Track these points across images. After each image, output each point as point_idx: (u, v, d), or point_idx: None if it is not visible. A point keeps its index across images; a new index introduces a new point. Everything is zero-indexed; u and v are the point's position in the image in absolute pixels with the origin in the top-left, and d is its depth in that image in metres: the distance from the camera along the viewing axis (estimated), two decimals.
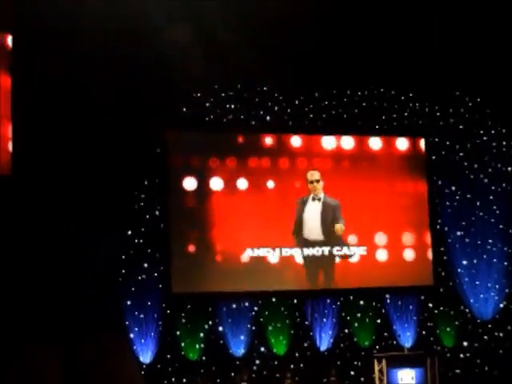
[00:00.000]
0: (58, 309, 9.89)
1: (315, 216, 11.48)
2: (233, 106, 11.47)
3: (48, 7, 9.43)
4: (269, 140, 11.49)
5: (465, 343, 11.86)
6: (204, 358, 10.88)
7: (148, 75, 10.65)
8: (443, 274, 11.94)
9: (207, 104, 11.34)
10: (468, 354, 11.82)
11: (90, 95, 10.36)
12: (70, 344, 9.84)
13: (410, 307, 11.71)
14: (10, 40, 9.50)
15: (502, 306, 12.04)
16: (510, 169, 12.34)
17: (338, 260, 11.49)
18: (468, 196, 12.10)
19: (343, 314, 11.55)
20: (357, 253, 11.54)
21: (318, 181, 11.51)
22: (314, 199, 11.49)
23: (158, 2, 9.70)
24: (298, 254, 11.32)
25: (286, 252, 11.26)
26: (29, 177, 9.72)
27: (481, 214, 12.12)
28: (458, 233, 12.03)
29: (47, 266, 9.90)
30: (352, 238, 11.58)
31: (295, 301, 11.40)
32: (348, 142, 11.81)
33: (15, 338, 9.41)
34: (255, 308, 11.22)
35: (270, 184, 11.40)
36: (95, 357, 9.98)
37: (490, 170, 12.21)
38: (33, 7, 9.47)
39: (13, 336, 9.41)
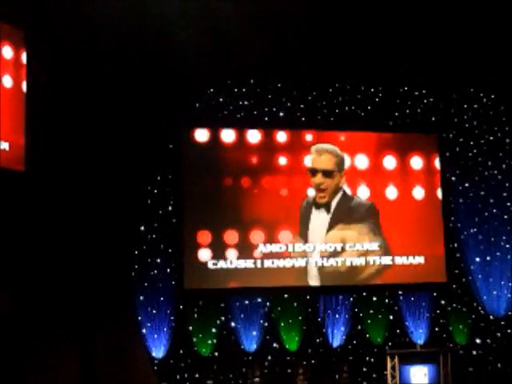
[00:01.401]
0: (71, 306, 9.94)
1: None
2: (246, 102, 11.46)
3: (62, 4, 9.47)
4: (282, 136, 11.45)
5: (478, 340, 11.82)
6: (216, 353, 10.91)
7: (161, 72, 10.68)
8: (456, 270, 11.90)
9: (220, 100, 11.33)
10: (481, 351, 11.78)
11: (102, 92, 10.39)
12: (85, 342, 9.92)
13: (423, 304, 11.68)
14: (23, 37, 9.50)
15: None
16: None
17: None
18: (481, 193, 12.04)
19: (356, 311, 11.54)
20: (370, 249, 11.49)
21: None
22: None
23: (168, 3, 9.69)
24: (310, 250, 11.30)
25: (299, 247, 11.24)
26: (42, 172, 9.74)
27: (494, 210, 12.05)
28: (471, 230, 11.97)
29: (59, 262, 9.93)
30: None
31: (308, 297, 11.39)
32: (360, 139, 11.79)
33: (29, 337, 9.49)
34: (267, 304, 11.21)
35: (283, 183, 11.37)
36: (109, 354, 10.05)
37: (503, 167, 12.13)
38: (47, 5, 9.50)
39: (26, 335, 9.49)
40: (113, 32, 9.90)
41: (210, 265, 10.93)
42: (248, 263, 11.07)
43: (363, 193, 11.58)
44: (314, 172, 11.35)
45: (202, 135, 11.17)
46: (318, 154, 11.41)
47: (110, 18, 9.61)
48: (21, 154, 9.33)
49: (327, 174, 11.37)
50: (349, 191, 11.47)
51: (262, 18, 10.35)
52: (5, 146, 9.04)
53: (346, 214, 11.41)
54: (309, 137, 11.51)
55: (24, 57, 9.41)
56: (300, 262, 11.23)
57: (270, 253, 11.13)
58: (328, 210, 11.35)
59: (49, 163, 9.87)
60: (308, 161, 11.37)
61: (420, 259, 11.65)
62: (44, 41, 9.69)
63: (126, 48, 10.29)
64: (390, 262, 11.55)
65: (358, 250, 11.42)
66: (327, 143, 11.49)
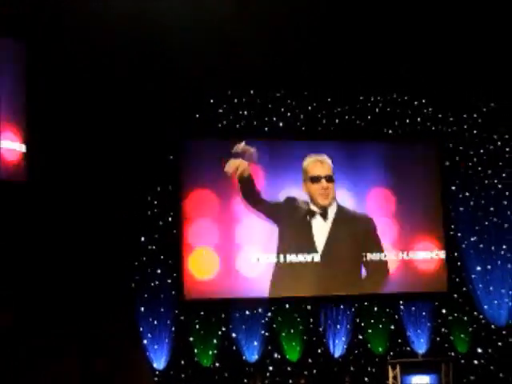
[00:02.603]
0: (71, 318, 9.95)
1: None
2: (245, 113, 11.47)
3: (63, 10, 9.49)
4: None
5: (479, 349, 11.79)
6: (217, 364, 10.88)
7: (161, 82, 10.70)
8: (457, 280, 11.88)
9: (220, 110, 11.35)
10: (482, 361, 11.75)
11: (103, 103, 10.43)
12: (85, 355, 9.92)
13: (424, 313, 11.65)
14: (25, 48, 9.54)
15: None
16: None
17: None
18: (482, 202, 12.03)
19: (357, 320, 11.51)
20: (372, 259, 11.49)
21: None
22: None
23: (171, 9, 9.69)
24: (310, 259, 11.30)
25: (300, 257, 11.24)
26: (43, 183, 9.77)
27: (494, 219, 12.04)
28: (472, 238, 11.96)
29: (59, 274, 9.95)
30: None
31: (309, 307, 11.37)
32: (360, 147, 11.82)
33: (29, 351, 9.50)
34: (268, 314, 11.19)
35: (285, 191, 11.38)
36: (110, 367, 10.04)
37: (503, 176, 12.13)
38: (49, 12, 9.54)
39: (26, 348, 9.51)
40: (114, 43, 9.94)
41: (212, 275, 10.95)
42: (249, 273, 11.06)
43: (361, 204, 11.59)
44: (317, 179, 11.35)
45: (202, 146, 11.17)
46: (318, 162, 11.43)
47: (112, 28, 9.63)
48: (22, 166, 9.37)
49: (329, 179, 11.39)
50: (344, 203, 11.47)
51: (262, 29, 10.35)
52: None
53: (344, 225, 11.40)
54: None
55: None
56: (301, 271, 11.22)
57: (268, 263, 11.15)
58: (325, 217, 11.34)
59: (50, 174, 9.92)
60: (306, 170, 11.38)
61: (420, 268, 11.63)
62: (45, 52, 9.74)
63: (127, 59, 10.35)
64: (391, 272, 11.54)
65: (360, 260, 11.41)
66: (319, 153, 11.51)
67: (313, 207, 11.34)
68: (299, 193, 11.35)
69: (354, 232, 11.47)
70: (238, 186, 11.13)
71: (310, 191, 11.35)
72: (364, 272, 11.43)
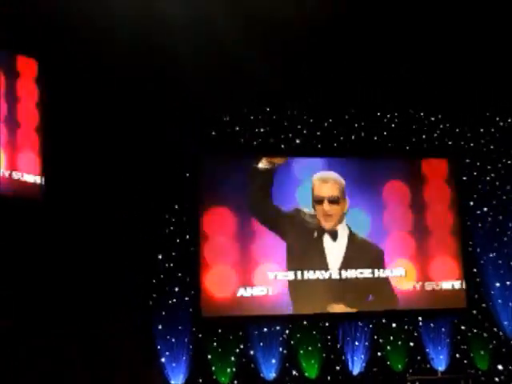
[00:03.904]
0: (89, 335, 9.98)
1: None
2: (262, 130, 11.51)
3: (77, 24, 9.61)
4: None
5: (499, 366, 11.69)
6: (235, 381, 10.84)
7: (176, 100, 10.78)
8: (476, 296, 11.80)
9: (236, 128, 11.39)
10: (503, 377, 11.64)
11: (121, 120, 10.51)
12: (102, 371, 9.93)
13: (443, 330, 11.58)
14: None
15: None
16: None
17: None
18: (500, 217, 11.97)
19: (375, 337, 11.46)
20: (390, 276, 11.46)
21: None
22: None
23: (184, 29, 9.77)
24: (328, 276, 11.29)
25: (316, 274, 11.22)
26: (59, 202, 9.85)
27: None
28: (491, 254, 11.89)
29: (77, 292, 9.99)
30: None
31: (327, 324, 11.33)
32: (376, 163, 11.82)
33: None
34: (286, 331, 11.17)
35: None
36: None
37: None
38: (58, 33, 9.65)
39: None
40: (129, 60, 10.04)
41: (229, 293, 10.96)
42: (265, 291, 11.05)
43: (377, 221, 11.55)
44: (319, 201, 11.34)
45: (219, 164, 11.22)
46: (323, 181, 11.41)
47: (122, 50, 9.73)
48: (38, 185, 9.49)
49: (333, 200, 11.37)
50: (356, 228, 11.44)
51: (278, 46, 10.44)
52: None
53: (355, 251, 11.39)
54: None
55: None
56: (318, 288, 11.22)
57: (286, 280, 11.13)
58: (334, 237, 11.33)
59: (66, 193, 10.00)
60: (312, 189, 11.38)
61: (439, 285, 11.58)
62: (59, 71, 9.85)
63: (144, 77, 10.45)
64: (410, 288, 11.49)
65: (375, 277, 11.41)
66: (328, 171, 11.49)
67: (321, 226, 11.34)
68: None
69: (365, 257, 11.41)
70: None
71: (316, 211, 11.35)
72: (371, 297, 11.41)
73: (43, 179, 9.58)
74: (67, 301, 9.90)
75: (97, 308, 10.13)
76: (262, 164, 11.24)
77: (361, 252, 11.41)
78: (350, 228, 11.41)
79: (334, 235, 11.32)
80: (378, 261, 11.45)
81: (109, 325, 10.16)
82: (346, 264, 11.31)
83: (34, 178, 9.48)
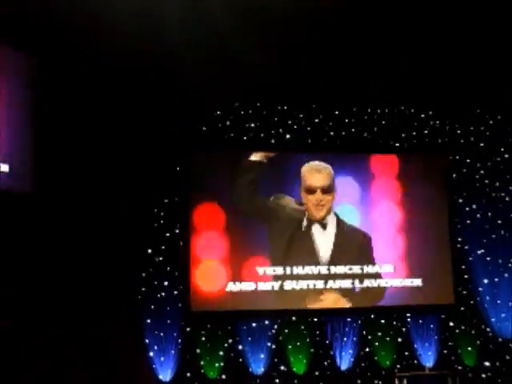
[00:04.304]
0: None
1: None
2: (252, 125, 11.49)
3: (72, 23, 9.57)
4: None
5: (486, 363, 11.73)
6: (224, 376, 10.84)
7: (167, 94, 10.76)
8: (464, 292, 11.84)
9: (227, 123, 11.37)
10: (490, 374, 11.69)
11: (111, 115, 10.48)
12: (90, 365, 9.92)
13: (431, 326, 11.61)
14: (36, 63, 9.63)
15: None
16: None
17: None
18: (489, 214, 12.01)
19: (364, 333, 11.48)
20: (378, 271, 11.48)
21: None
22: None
23: (179, 22, 9.73)
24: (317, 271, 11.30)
25: (305, 270, 11.23)
26: (50, 194, 9.82)
27: (502, 232, 12.01)
28: (479, 251, 11.93)
29: (66, 285, 9.96)
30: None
31: (315, 319, 11.34)
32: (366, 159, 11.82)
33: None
34: (275, 326, 11.17)
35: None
36: (114, 377, 10.04)
37: (511, 189, 12.11)
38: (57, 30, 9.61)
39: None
40: (123, 57, 9.99)
41: (218, 287, 10.96)
42: (253, 286, 11.06)
43: (366, 217, 11.58)
44: (312, 190, 11.33)
45: (209, 158, 11.20)
46: (315, 171, 11.39)
47: (121, 44, 9.68)
48: (30, 176, 9.44)
49: (325, 190, 11.37)
50: (343, 216, 11.45)
51: (270, 41, 10.40)
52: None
53: (344, 237, 11.40)
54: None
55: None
56: (303, 284, 11.24)
57: (274, 275, 11.14)
58: (324, 227, 11.33)
59: (57, 186, 9.97)
60: (303, 179, 11.36)
61: (427, 281, 11.60)
62: (54, 65, 9.82)
63: (135, 71, 10.41)
64: (398, 284, 11.52)
65: (364, 273, 11.42)
66: (318, 161, 11.48)
67: (310, 216, 11.33)
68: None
69: (353, 245, 11.45)
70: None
71: (306, 201, 11.33)
72: (357, 288, 11.42)
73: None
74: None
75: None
76: (252, 158, 11.24)
77: (349, 238, 11.42)
78: (337, 215, 11.41)
79: (323, 225, 11.32)
80: (366, 246, 11.47)
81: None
82: (336, 252, 11.31)
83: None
